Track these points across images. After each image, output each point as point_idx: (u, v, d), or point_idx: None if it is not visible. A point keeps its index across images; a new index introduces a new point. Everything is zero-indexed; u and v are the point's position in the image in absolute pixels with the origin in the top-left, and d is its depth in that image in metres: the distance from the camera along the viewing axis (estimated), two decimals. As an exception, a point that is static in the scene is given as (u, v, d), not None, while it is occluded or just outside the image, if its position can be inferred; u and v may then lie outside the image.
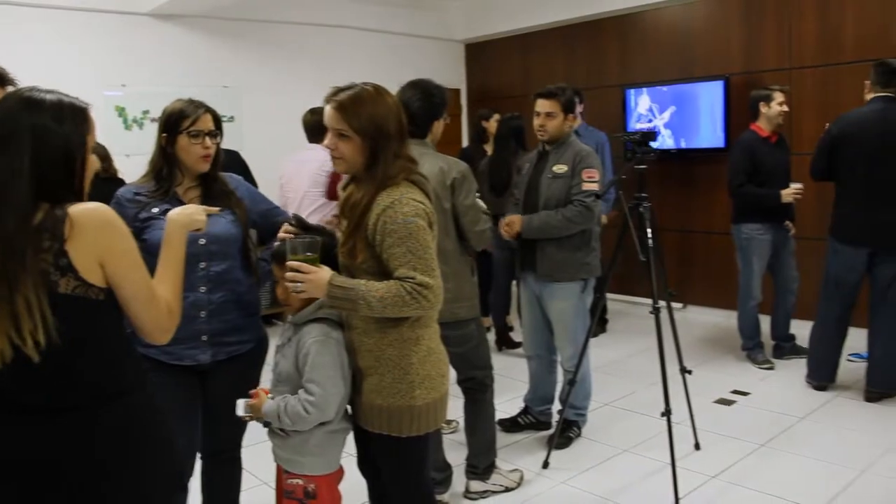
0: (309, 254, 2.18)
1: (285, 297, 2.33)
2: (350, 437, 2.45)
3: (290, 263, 2.17)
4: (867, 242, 4.46)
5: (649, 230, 3.54)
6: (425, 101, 3.17)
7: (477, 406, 3.51)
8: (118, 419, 1.70)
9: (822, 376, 4.76)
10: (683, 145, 6.76)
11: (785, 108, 5.13)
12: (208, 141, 2.47)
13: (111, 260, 1.65)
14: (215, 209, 2.35)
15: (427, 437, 2.30)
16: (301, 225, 2.40)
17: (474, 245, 3.30)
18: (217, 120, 2.54)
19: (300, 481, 2.34)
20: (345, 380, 2.29)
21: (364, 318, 2.22)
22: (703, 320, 6.61)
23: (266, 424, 2.36)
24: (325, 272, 2.15)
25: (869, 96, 4.50)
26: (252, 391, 2.40)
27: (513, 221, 3.83)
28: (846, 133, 4.46)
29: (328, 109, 2.21)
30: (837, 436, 4.11)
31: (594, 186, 3.71)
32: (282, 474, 2.41)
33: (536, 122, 3.87)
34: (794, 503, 3.37)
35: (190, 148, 2.46)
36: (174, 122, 2.47)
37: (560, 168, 3.80)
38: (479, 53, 8.75)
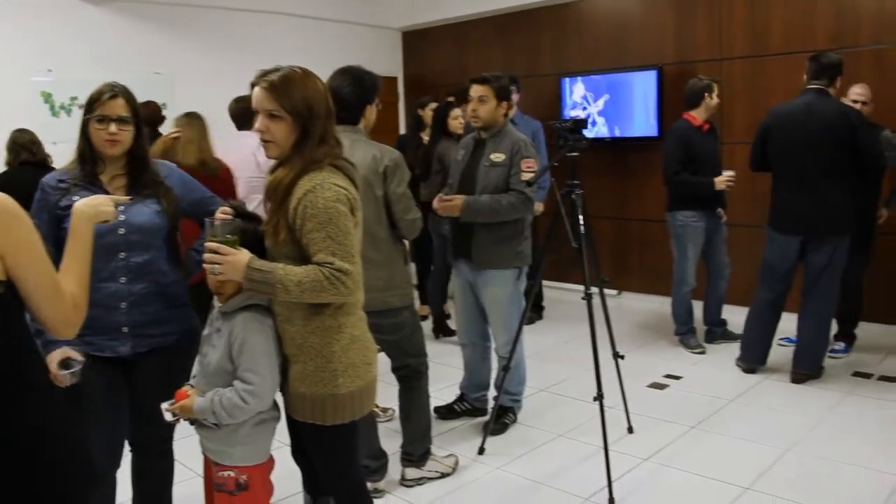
0: (228, 236, 2.14)
1: (216, 285, 2.28)
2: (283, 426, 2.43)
3: (207, 244, 2.12)
4: (799, 231, 4.56)
5: (581, 217, 3.57)
6: (356, 86, 3.14)
7: (412, 394, 3.50)
8: (20, 417, 1.61)
9: (754, 359, 4.87)
10: (617, 133, 6.84)
11: (717, 99, 5.25)
12: (113, 127, 2.38)
13: (12, 252, 1.57)
14: (125, 198, 2.29)
15: (354, 425, 2.28)
16: (236, 211, 2.34)
17: (405, 234, 3.28)
18: (133, 106, 2.46)
19: (231, 473, 2.29)
20: (277, 368, 2.26)
21: (286, 305, 2.18)
22: (638, 306, 6.71)
23: (193, 421, 2.31)
24: (243, 254, 2.11)
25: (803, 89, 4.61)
26: (177, 392, 2.33)
27: (455, 199, 3.78)
28: (775, 124, 4.55)
29: (258, 91, 2.16)
30: (765, 416, 4.22)
31: (531, 176, 3.73)
32: (211, 466, 2.36)
33: (470, 107, 3.87)
34: (723, 482, 3.45)
35: (96, 132, 2.40)
36: (88, 105, 2.40)
37: (497, 157, 3.80)
38: (416, 42, 8.71)
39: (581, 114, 6.92)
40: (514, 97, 5.50)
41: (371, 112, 3.24)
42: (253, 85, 2.19)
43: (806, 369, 4.70)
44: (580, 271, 3.57)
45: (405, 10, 8.41)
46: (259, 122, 2.17)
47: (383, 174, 3.14)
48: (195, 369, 2.50)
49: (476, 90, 3.82)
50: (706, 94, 5.22)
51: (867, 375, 4.81)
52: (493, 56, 7.79)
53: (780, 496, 3.31)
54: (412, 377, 3.47)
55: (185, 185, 2.65)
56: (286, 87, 2.13)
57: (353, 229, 2.15)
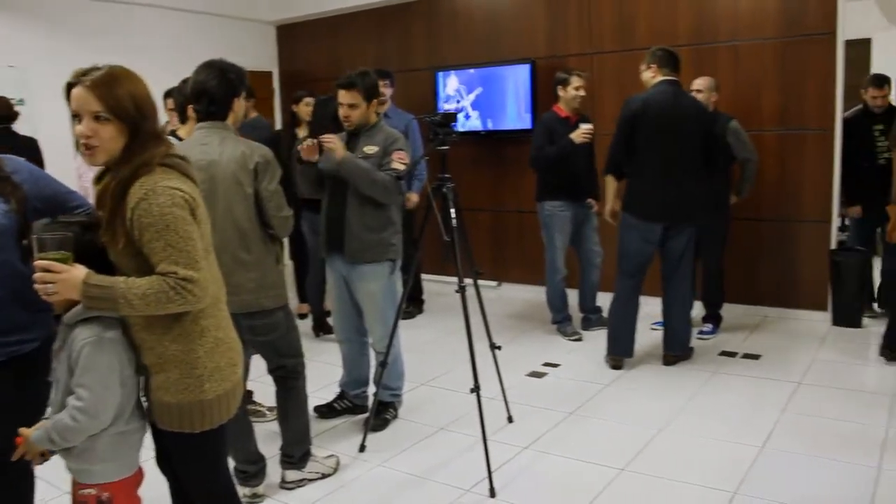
0: (61, 251, 1.96)
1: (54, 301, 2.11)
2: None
3: (37, 263, 1.96)
4: (663, 218, 4.70)
5: (453, 210, 3.58)
6: (221, 79, 3.04)
7: (290, 394, 3.43)
8: None
9: (620, 351, 4.91)
10: (491, 126, 6.92)
11: (582, 92, 5.37)
12: None
13: None
14: None
15: (222, 430, 2.20)
16: (79, 220, 2.17)
17: (278, 232, 3.20)
18: None
19: (92, 491, 2.15)
20: (123, 382, 2.13)
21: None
22: (516, 297, 6.82)
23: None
24: (78, 271, 1.96)
25: (655, 79, 4.72)
26: (16, 439, 2.16)
27: (338, 146, 3.67)
28: (642, 114, 4.65)
29: (80, 92, 1.97)
30: (639, 399, 4.36)
31: (402, 167, 3.73)
32: (76, 484, 2.23)
33: (341, 112, 3.82)
34: (600, 465, 3.54)
35: None
36: None
37: (370, 149, 3.77)
38: (290, 35, 8.55)
39: (454, 107, 6.97)
40: (388, 91, 5.49)
41: (239, 106, 3.16)
42: (71, 85, 2.00)
43: (676, 352, 4.89)
44: (454, 264, 3.59)
45: (279, 2, 8.24)
46: (84, 125, 1.98)
47: (254, 171, 3.06)
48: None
49: (344, 96, 3.76)
50: (559, 87, 5.38)
51: (732, 354, 5.05)
52: (367, 50, 7.75)
53: (653, 474, 3.43)
54: (289, 377, 3.40)
55: (37, 181, 2.45)
56: (112, 86, 1.97)
57: (195, 233, 2.02)
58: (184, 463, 2.25)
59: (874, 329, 5.46)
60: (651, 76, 4.74)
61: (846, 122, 5.66)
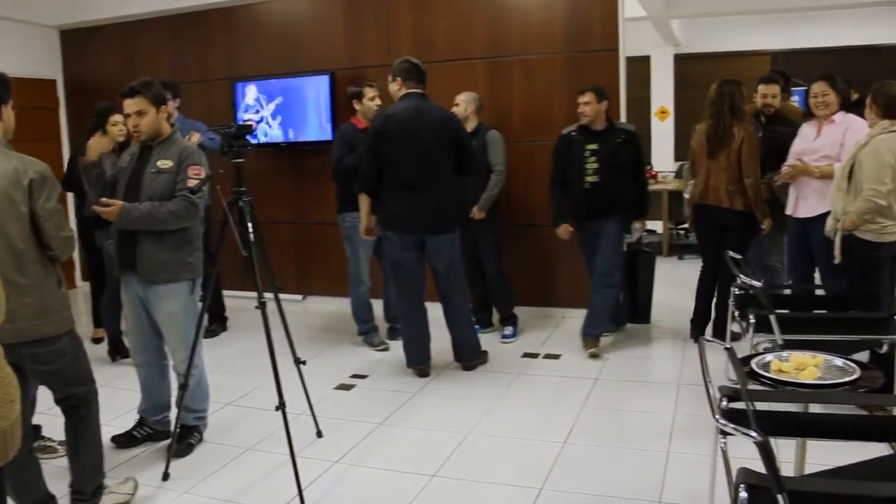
0: None
1: None
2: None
3: None
4: (412, 229, 4.75)
5: (250, 224, 3.49)
6: None
7: (81, 424, 3.18)
8: None
9: (416, 361, 4.95)
10: (292, 137, 6.83)
11: (377, 101, 5.41)
12: None
13: None
14: None
15: (1, 472, 2.01)
16: None
17: (59, 254, 2.96)
18: None
19: None
20: None
21: None
22: (323, 310, 6.76)
23: None
24: None
25: (401, 93, 4.78)
26: None
27: (115, 209, 3.49)
28: (388, 129, 4.67)
29: None
30: (446, 405, 4.44)
31: (197, 183, 3.57)
32: None
33: (129, 123, 3.62)
34: (411, 473, 3.56)
35: None
36: None
37: (164, 163, 3.59)
38: (77, 41, 7.93)
39: (254, 118, 6.81)
40: (174, 104, 5.25)
41: (8, 115, 2.91)
42: None
43: (467, 360, 5.03)
44: (260, 279, 3.50)
45: (63, 5, 7.65)
46: None
47: (28, 188, 2.82)
48: None
49: (131, 105, 3.56)
50: (354, 101, 5.44)
51: (534, 355, 5.26)
52: (163, 58, 7.37)
53: (463, 478, 3.50)
54: (80, 406, 3.16)
55: None
56: None
57: None
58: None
59: (661, 324, 5.93)
60: (396, 89, 4.81)
61: (560, 138, 5.37)
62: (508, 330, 5.67)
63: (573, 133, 5.21)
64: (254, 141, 6.68)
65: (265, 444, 3.94)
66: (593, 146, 5.12)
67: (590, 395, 4.51)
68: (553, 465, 3.59)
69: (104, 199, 3.54)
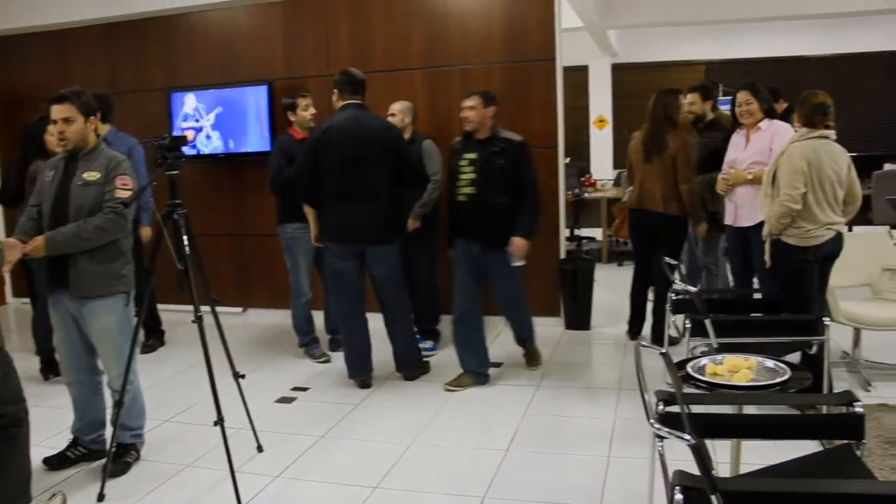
0: None
1: None
2: None
3: None
4: (350, 240, 4.72)
5: (185, 237, 3.44)
6: None
7: (11, 444, 3.06)
8: None
9: (358, 372, 4.93)
10: (232, 147, 6.75)
11: (312, 110, 5.39)
12: None
13: None
14: None
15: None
16: None
17: None
18: None
19: None
20: None
21: None
22: (264, 322, 6.69)
23: None
24: None
25: (339, 104, 4.76)
26: None
27: (37, 245, 3.39)
28: (327, 140, 4.65)
29: None
30: (388, 416, 4.42)
31: (127, 194, 3.49)
32: None
33: (56, 129, 3.52)
34: (353, 485, 3.54)
35: None
36: None
37: (91, 175, 3.50)
38: (5, 49, 7.72)
39: (192, 127, 6.72)
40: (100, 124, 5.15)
41: None
42: None
43: (407, 371, 5.02)
44: (196, 293, 3.45)
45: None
46: None
47: None
48: None
49: (58, 111, 3.46)
50: (289, 112, 5.42)
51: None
52: (98, 68, 7.21)
53: (406, 489, 3.49)
54: (9, 426, 3.05)
55: None
56: None
57: None
58: None
59: (601, 331, 5.99)
60: (335, 100, 4.80)
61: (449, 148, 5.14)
62: (428, 343, 5.63)
63: (458, 141, 4.93)
64: (193, 151, 6.65)
65: (204, 461, 3.87)
66: (472, 155, 4.75)
67: (531, 402, 4.54)
68: (495, 473, 3.60)
69: (21, 240, 3.44)
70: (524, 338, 5.20)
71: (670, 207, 5.24)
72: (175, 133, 6.55)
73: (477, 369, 4.89)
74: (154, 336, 5.97)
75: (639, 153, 5.40)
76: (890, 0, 8.52)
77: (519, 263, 4.76)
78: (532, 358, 5.22)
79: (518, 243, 4.68)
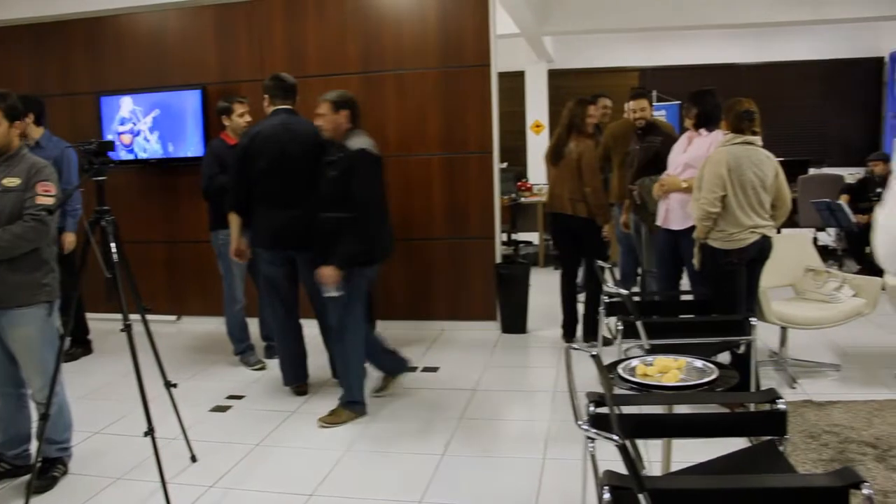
0: None
1: None
2: None
3: None
4: (278, 245, 4.67)
5: (113, 244, 3.36)
6: None
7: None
8: None
9: (292, 379, 4.88)
10: (172, 151, 6.63)
11: (247, 117, 5.34)
12: None
13: None
14: None
15: None
16: None
17: None
18: None
19: None
20: None
21: None
22: (198, 330, 6.58)
23: None
24: None
25: (269, 109, 4.73)
26: None
27: None
28: (257, 145, 4.59)
29: None
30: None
31: (49, 201, 3.39)
32: None
33: None
34: (289, 493, 3.50)
35: None
36: None
37: (11, 181, 3.38)
38: None
39: (129, 131, 6.59)
40: (31, 126, 5.02)
41: None
42: None
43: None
44: (126, 301, 3.38)
45: None
46: None
47: None
48: None
49: None
50: (223, 117, 5.37)
51: (413, 369, 5.24)
52: (21, 70, 7.00)
53: (342, 496, 3.47)
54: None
55: None
56: None
57: None
58: None
59: (538, 334, 6.05)
60: (266, 106, 4.78)
61: None
62: None
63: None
64: (131, 156, 6.52)
65: (135, 473, 3.78)
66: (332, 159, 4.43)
67: (468, 406, 4.56)
68: (432, 477, 3.61)
69: None
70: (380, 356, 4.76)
71: (578, 210, 5.48)
72: (105, 138, 6.43)
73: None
74: (80, 345, 5.83)
75: (549, 159, 5.68)
76: (812, 12, 8.83)
77: (331, 294, 4.20)
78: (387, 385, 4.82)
79: (324, 273, 4.14)
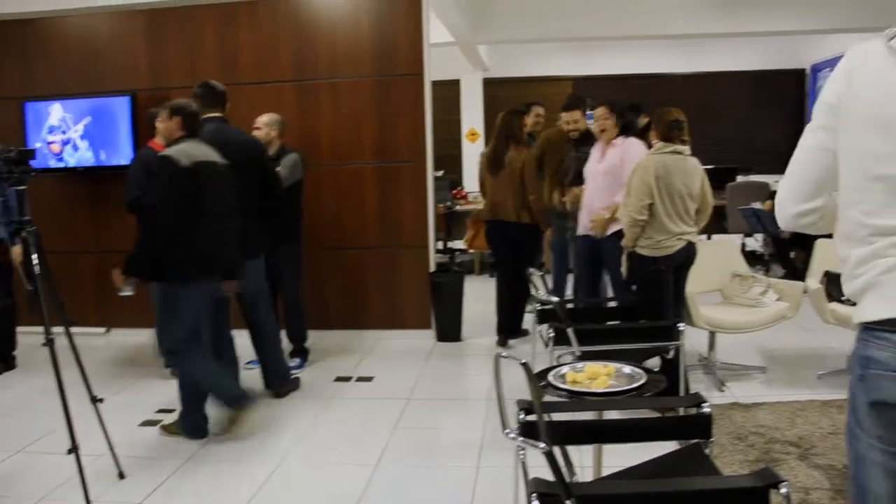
0: None
1: None
2: None
3: None
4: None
5: (35, 256, 3.28)
6: None
7: None
8: None
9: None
10: (104, 159, 6.46)
11: None
12: None
13: None
14: None
15: None
16: None
17: None
18: None
19: None
20: None
21: None
22: (128, 342, 6.43)
23: None
24: None
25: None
26: None
27: None
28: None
29: None
30: (257, 435, 4.32)
31: None
32: None
33: None
34: (219, 510, 3.45)
35: None
36: None
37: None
38: None
39: (61, 138, 6.41)
40: None
41: None
42: None
43: (278, 387, 4.94)
44: (52, 314, 3.30)
45: None
46: None
47: None
48: None
49: None
50: (157, 122, 5.21)
51: (347, 379, 5.26)
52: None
53: (274, 510, 3.43)
54: None
55: None
56: None
57: None
58: None
59: (473, 341, 6.10)
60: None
61: None
62: (295, 361, 5.51)
63: None
64: (61, 164, 6.36)
65: (59, 493, 3.67)
66: None
67: (402, 415, 4.55)
68: (365, 488, 3.59)
69: None
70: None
71: (522, 216, 5.61)
72: (31, 145, 6.26)
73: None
74: (1, 361, 5.63)
75: (486, 168, 5.75)
76: (734, 24, 9.10)
77: (125, 294, 4.09)
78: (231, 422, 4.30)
79: (113, 275, 4.06)
